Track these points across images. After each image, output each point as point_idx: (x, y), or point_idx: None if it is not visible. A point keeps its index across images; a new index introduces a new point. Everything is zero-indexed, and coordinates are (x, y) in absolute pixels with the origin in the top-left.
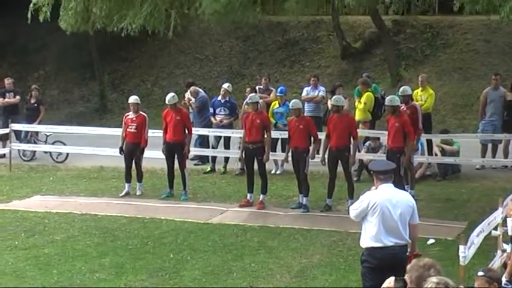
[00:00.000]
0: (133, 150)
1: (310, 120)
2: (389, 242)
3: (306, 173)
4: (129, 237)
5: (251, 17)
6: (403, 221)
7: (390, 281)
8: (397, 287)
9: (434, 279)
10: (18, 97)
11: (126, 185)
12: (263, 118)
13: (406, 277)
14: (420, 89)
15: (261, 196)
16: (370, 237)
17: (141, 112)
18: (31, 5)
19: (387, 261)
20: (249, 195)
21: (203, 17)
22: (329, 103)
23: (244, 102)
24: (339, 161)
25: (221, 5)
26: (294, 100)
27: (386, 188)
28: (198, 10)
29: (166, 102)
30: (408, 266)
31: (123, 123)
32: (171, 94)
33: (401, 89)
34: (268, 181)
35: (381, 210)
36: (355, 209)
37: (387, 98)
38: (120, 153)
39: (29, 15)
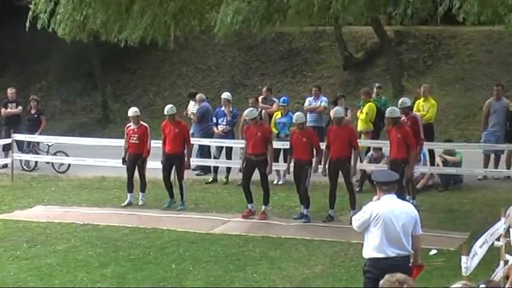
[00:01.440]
0: (136, 161)
1: (313, 133)
2: (392, 252)
3: (307, 186)
4: (131, 248)
5: (265, 31)
6: (405, 231)
7: None
8: None
9: (458, 284)
10: (20, 107)
11: (129, 195)
12: (264, 130)
13: None
14: (422, 99)
15: (263, 207)
16: (372, 247)
17: (142, 123)
18: (30, 12)
19: (390, 272)
20: (249, 205)
21: (209, 29)
22: (331, 113)
23: (244, 113)
24: (340, 172)
25: (238, 24)
26: (297, 113)
27: (389, 198)
28: (213, 29)
29: (165, 112)
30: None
31: (125, 134)
32: (169, 105)
33: (400, 101)
34: (270, 191)
35: (384, 221)
36: (357, 220)
37: (387, 110)
38: (123, 163)
39: (27, 24)
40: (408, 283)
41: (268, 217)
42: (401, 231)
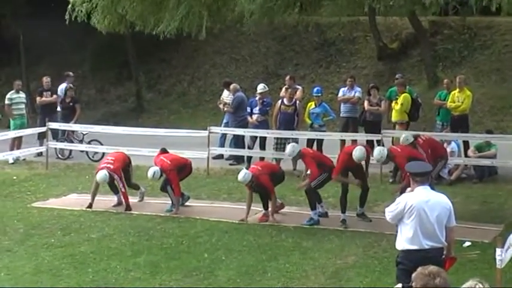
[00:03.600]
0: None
1: (308, 159)
2: (426, 244)
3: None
4: (164, 237)
5: (290, 18)
6: (439, 223)
7: None
8: None
9: (471, 283)
10: (55, 96)
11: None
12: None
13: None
14: (458, 90)
15: (265, 211)
16: (406, 239)
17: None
18: (69, 6)
19: (423, 264)
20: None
21: (241, 19)
22: (365, 104)
23: (279, 102)
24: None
25: (257, 6)
26: (290, 146)
27: (423, 190)
28: (234, 11)
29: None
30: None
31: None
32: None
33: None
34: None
35: (418, 213)
36: (391, 211)
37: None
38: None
39: (67, 16)
40: (441, 275)
41: (301, 208)
42: (436, 222)
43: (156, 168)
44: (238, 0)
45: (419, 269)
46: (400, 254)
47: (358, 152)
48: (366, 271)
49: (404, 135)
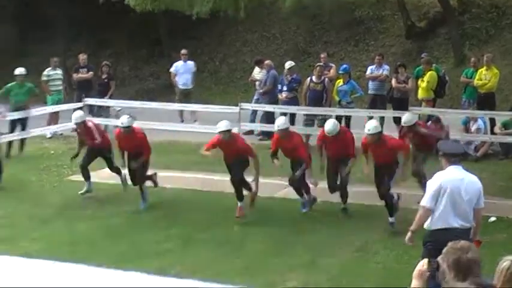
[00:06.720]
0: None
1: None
2: (456, 223)
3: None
4: (195, 210)
5: None
6: (470, 203)
7: (423, 263)
8: (430, 270)
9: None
10: (91, 73)
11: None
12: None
13: (439, 259)
14: (485, 68)
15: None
16: (435, 217)
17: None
18: None
19: None
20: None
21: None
22: (393, 81)
23: (308, 79)
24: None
25: None
26: (280, 119)
27: (455, 169)
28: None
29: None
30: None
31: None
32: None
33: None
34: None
35: (451, 191)
36: (427, 197)
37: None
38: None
39: None
40: (473, 249)
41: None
42: (467, 202)
43: None
44: None
45: (450, 244)
46: (428, 233)
47: (328, 125)
48: (392, 244)
49: (406, 115)
